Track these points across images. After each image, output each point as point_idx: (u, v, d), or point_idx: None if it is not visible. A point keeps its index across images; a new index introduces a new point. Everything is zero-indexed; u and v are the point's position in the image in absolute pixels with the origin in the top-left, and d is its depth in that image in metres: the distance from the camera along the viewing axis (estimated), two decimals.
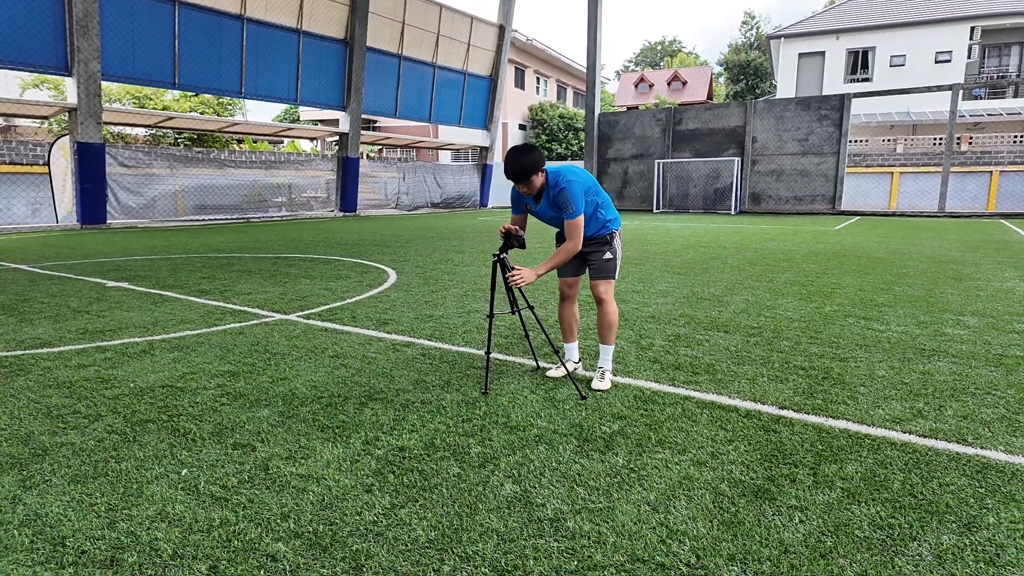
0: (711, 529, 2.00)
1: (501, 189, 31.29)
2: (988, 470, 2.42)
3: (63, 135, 15.62)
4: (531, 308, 3.48)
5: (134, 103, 24.41)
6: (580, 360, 3.75)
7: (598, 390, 3.35)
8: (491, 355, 4.01)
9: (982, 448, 2.63)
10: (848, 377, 3.57)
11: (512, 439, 2.70)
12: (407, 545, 1.91)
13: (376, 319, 5.09)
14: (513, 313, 3.51)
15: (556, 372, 3.59)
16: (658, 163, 26.48)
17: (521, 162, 3.17)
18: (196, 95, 25.55)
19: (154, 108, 23.90)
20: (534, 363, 3.80)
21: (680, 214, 24.15)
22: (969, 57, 30.44)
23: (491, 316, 3.43)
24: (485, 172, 28.96)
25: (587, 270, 3.59)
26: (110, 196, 15.95)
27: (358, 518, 2.06)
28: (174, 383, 3.46)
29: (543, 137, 37.13)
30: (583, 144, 30.58)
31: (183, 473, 2.38)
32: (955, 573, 1.79)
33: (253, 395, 3.27)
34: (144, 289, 6.55)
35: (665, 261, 8.91)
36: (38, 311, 5.41)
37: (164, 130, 24.64)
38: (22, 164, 16.79)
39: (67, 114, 15.60)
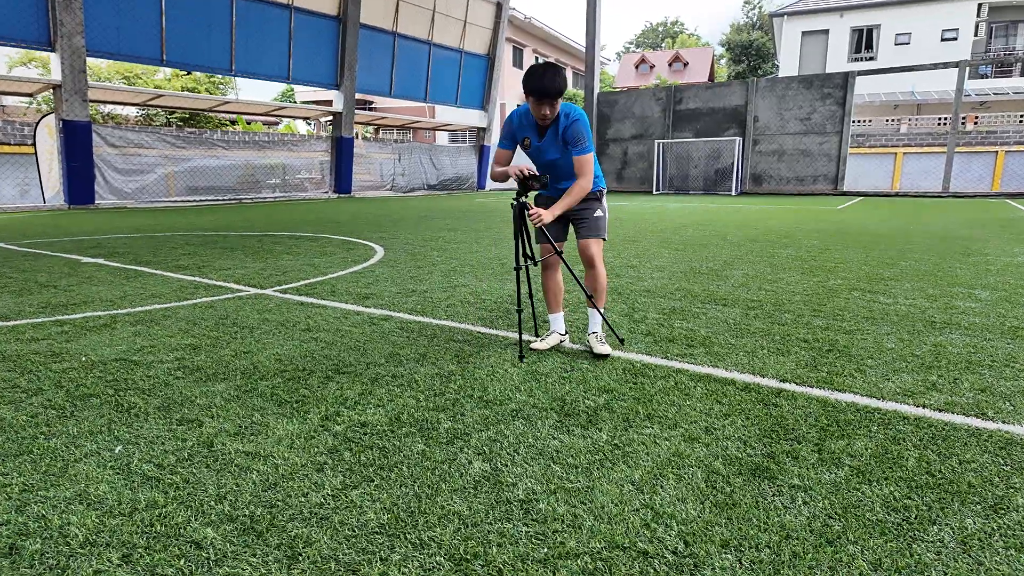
0: (702, 512, 1.76)
1: None
2: (1013, 446, 2.18)
3: (49, 113, 15.26)
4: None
5: (124, 82, 23.96)
6: (567, 332, 3.51)
7: (602, 354, 3.18)
8: (476, 328, 3.77)
9: (1004, 423, 2.39)
10: (855, 349, 3.33)
11: (486, 414, 2.46)
12: (354, 530, 1.67)
13: (357, 293, 4.84)
14: (536, 263, 3.31)
15: (541, 344, 3.35)
16: (658, 143, 26.06)
17: (552, 78, 2.96)
18: (188, 74, 25.06)
19: (144, 87, 23.45)
20: (531, 336, 3.55)
21: (680, 195, 23.80)
22: (976, 35, 29.87)
23: (518, 268, 3.23)
24: (483, 153, 28.53)
25: (576, 230, 3.39)
26: (98, 176, 15.61)
27: (303, 500, 1.82)
28: (130, 356, 3.22)
29: None
30: None
31: (117, 450, 2.14)
32: (983, 561, 1.55)
33: (212, 368, 3.02)
34: (119, 264, 6.29)
35: (663, 238, 8.63)
36: (3, 286, 5.15)
37: (156, 110, 24.22)
38: (9, 144, 16.43)
39: (52, 91, 15.21)
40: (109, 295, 4.78)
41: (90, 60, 15.92)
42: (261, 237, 8.91)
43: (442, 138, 36.71)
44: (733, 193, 24.07)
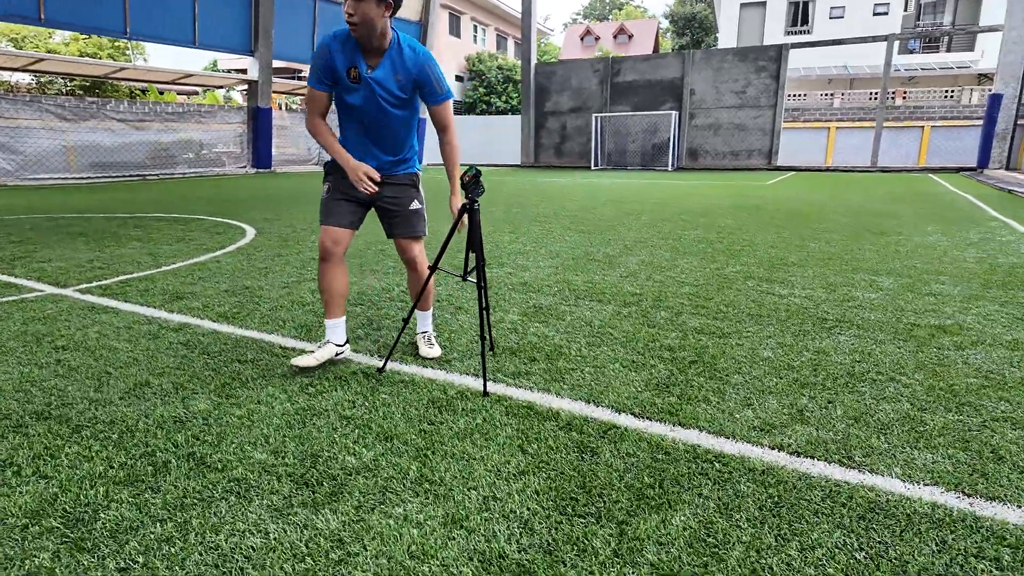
0: None
1: (437, 144, 29.76)
2: (875, 515, 1.65)
3: None
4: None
5: (13, 45, 21.61)
6: (347, 342, 2.78)
7: (430, 357, 2.81)
8: (283, 341, 3.06)
9: (871, 471, 1.86)
10: (723, 361, 2.79)
11: (189, 489, 1.77)
12: None
13: (172, 292, 4.03)
14: (464, 279, 2.64)
15: (307, 360, 2.58)
16: (596, 117, 25.49)
17: None
18: (87, 36, 22.82)
19: (35, 52, 21.19)
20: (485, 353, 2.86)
21: (618, 171, 23.38)
22: (906, 10, 30.34)
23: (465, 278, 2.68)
24: (419, 126, 27.31)
25: (389, 226, 2.70)
26: None
27: None
28: None
29: (481, 90, 35.49)
30: (521, 97, 29.24)
31: None
32: None
33: None
34: None
35: (575, 218, 8.05)
36: None
37: (51, 77, 22.00)
38: None
39: None
40: None
41: None
42: (127, 219, 7.86)
43: None
44: (669, 168, 23.82)
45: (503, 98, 35.59)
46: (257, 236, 6.45)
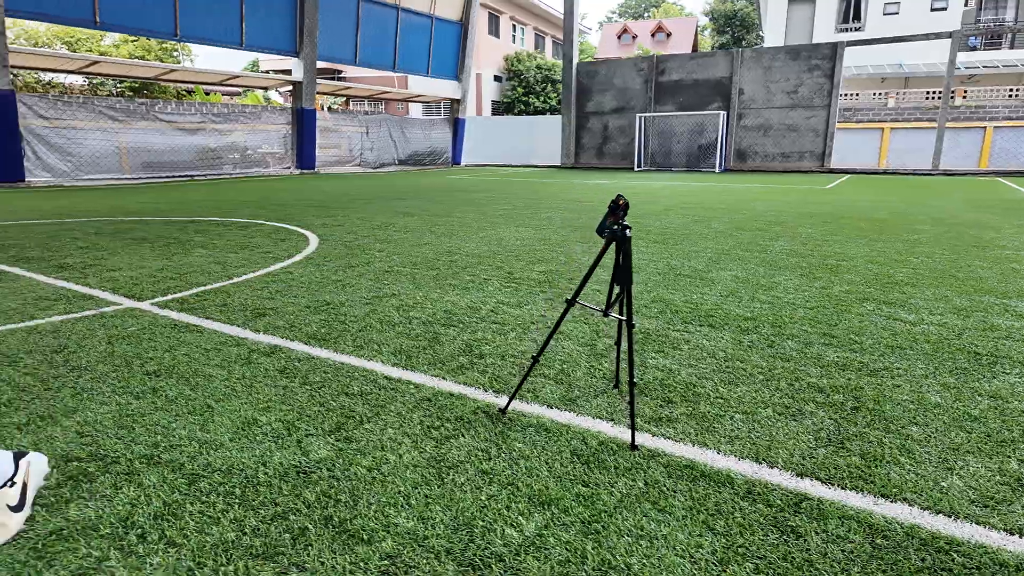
0: None
1: (476, 145, 29.64)
2: None
3: None
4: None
5: (66, 47, 22.15)
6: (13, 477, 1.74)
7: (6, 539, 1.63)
8: (385, 370, 2.82)
9: None
10: (889, 407, 2.45)
11: (339, 566, 1.52)
12: None
13: (253, 308, 3.85)
14: (606, 314, 2.28)
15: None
16: (639, 117, 24.98)
17: None
18: (135, 39, 23.26)
19: (89, 54, 21.68)
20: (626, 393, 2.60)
21: (662, 172, 22.85)
22: (966, 5, 29.01)
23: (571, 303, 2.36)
24: (457, 126, 27.23)
25: None
26: (27, 151, 14.20)
27: None
28: None
29: (520, 90, 35.24)
30: (562, 97, 28.87)
31: None
32: None
33: None
34: None
35: (642, 225, 7.71)
36: None
37: (102, 79, 22.49)
38: None
39: None
40: None
41: (21, 22, 14.41)
42: (187, 224, 7.81)
43: (415, 110, 35.18)
44: (717, 170, 23.19)
45: (541, 98, 35.28)
46: (321, 244, 6.28)
